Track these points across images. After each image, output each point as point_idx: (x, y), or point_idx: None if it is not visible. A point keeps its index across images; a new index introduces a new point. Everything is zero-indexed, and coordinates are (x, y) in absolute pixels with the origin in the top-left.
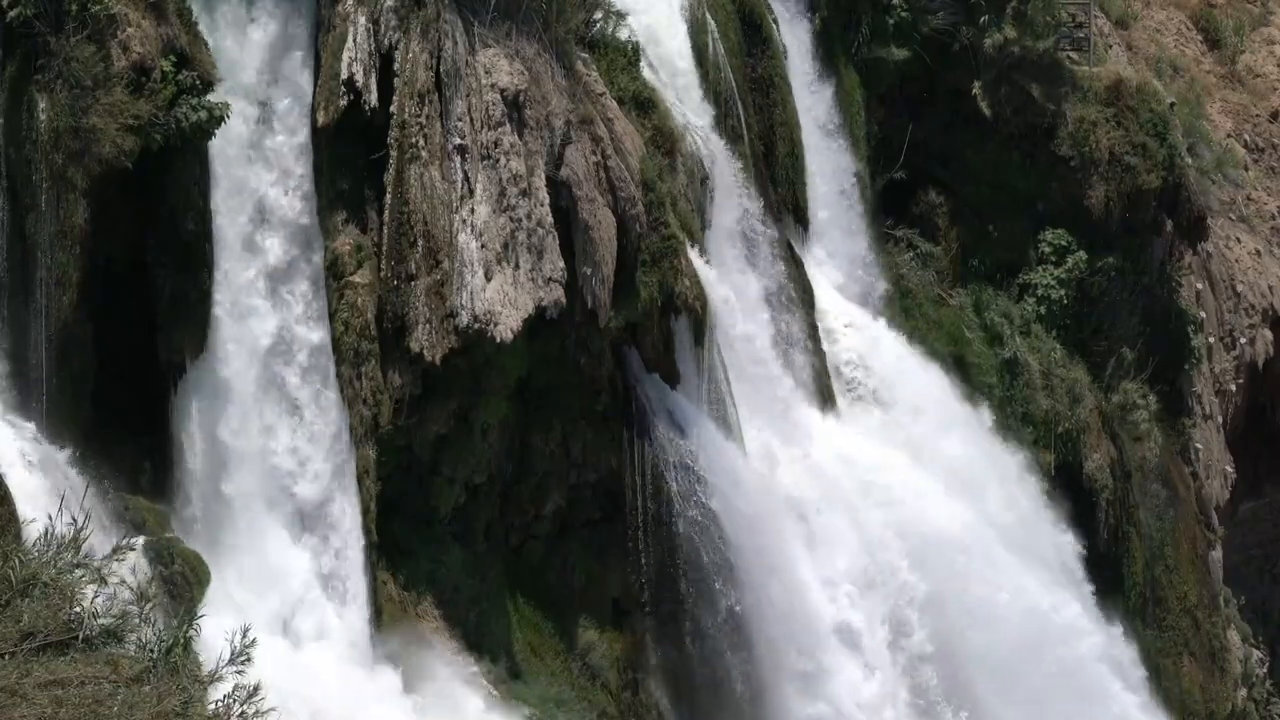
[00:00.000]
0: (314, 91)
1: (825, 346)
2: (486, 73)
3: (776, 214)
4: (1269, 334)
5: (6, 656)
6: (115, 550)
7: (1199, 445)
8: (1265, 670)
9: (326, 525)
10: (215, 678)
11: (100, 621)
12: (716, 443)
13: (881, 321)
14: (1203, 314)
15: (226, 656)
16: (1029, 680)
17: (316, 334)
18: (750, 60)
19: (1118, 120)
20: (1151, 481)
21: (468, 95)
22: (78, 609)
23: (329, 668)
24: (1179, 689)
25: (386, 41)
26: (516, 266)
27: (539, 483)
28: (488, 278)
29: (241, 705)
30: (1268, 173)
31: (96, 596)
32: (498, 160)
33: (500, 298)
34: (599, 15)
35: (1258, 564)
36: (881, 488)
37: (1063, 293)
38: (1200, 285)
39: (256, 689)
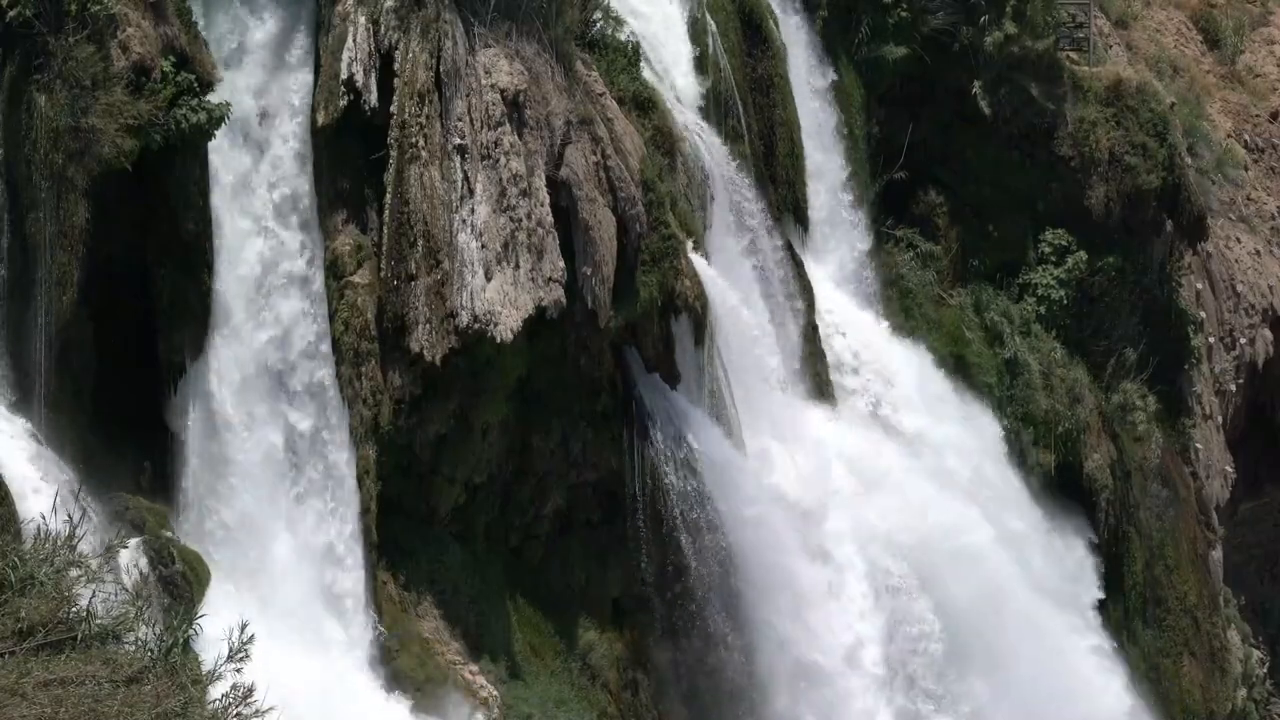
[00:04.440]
0: (314, 91)
1: (825, 346)
2: (486, 73)
3: (776, 214)
4: (1269, 334)
5: (5, 655)
6: (108, 550)
7: (1199, 445)
8: (1265, 670)
9: (326, 524)
10: (215, 677)
11: (98, 621)
12: (716, 443)
13: (882, 321)
14: (1203, 314)
15: (225, 655)
16: (1028, 681)
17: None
18: (750, 60)
19: (1118, 120)
20: (1151, 481)
21: (468, 95)
22: (76, 608)
23: (328, 667)
24: (1179, 689)
25: (386, 41)
26: (516, 266)
27: (539, 483)
28: (488, 278)
29: (239, 705)
30: (1268, 173)
31: (94, 596)
32: (498, 160)
33: (500, 298)
34: (598, 15)
35: (1258, 564)
36: (881, 487)
37: (1063, 293)
38: (1200, 285)
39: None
